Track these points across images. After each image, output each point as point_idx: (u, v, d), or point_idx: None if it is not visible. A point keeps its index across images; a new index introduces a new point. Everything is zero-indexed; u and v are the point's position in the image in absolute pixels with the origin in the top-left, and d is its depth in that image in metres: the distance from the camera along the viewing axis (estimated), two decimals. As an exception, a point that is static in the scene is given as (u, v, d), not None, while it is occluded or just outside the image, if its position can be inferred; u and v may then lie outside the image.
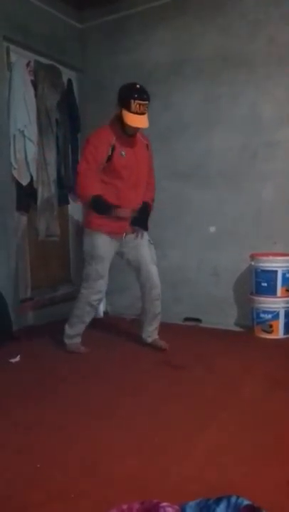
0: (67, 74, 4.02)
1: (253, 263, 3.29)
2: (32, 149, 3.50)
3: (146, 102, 2.60)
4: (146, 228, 2.89)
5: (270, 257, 3.24)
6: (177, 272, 3.83)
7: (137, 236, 2.86)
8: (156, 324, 3.03)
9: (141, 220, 2.85)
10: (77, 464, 1.65)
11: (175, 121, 3.74)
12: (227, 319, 3.58)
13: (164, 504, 1.17)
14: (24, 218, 3.73)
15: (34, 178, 3.56)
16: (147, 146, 2.87)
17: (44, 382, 2.48)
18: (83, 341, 3.02)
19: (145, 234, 2.90)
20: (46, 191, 3.65)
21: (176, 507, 1.18)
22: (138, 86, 2.64)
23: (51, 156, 3.68)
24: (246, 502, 1.17)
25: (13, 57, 3.49)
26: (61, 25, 3.92)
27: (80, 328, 2.99)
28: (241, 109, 3.47)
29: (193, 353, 2.94)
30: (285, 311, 3.21)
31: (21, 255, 3.71)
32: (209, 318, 3.62)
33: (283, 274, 3.18)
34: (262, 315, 3.25)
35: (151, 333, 3.02)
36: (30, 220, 3.74)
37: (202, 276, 3.73)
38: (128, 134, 2.71)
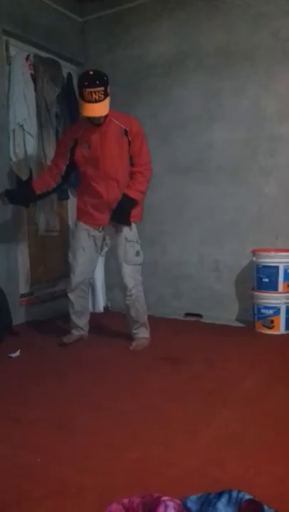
0: (67, 68, 3.99)
1: (254, 258, 3.28)
2: (31, 143, 3.48)
3: (99, 89, 2.43)
4: (125, 223, 2.73)
5: (272, 253, 3.22)
6: (177, 267, 3.82)
7: (116, 231, 2.78)
8: (136, 324, 2.94)
9: (118, 214, 2.71)
10: (77, 458, 1.64)
11: (176, 116, 3.71)
12: (228, 315, 3.57)
13: (165, 498, 1.16)
14: (24, 213, 3.71)
15: (34, 173, 3.54)
16: (126, 131, 2.65)
17: (44, 377, 2.47)
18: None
19: (125, 230, 2.76)
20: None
21: (178, 501, 1.17)
22: (90, 73, 2.50)
23: (51, 151, 3.65)
24: (247, 496, 1.16)
25: (13, 51, 3.47)
26: (61, 19, 3.88)
27: (73, 321, 3.04)
28: (243, 104, 3.44)
29: (193, 348, 2.93)
30: (287, 307, 3.20)
31: (21, 250, 3.69)
32: (210, 314, 3.61)
33: (285, 270, 3.16)
34: (263, 310, 3.24)
35: (134, 330, 2.96)
36: (29, 214, 3.72)
37: (203, 271, 3.72)
38: (94, 124, 2.60)
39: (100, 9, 3.98)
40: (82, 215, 2.85)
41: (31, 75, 3.54)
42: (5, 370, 2.59)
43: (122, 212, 2.71)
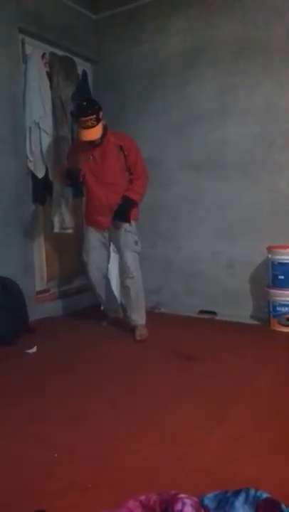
0: (82, 65, 4.00)
1: (269, 255, 3.25)
2: (47, 141, 3.50)
3: (91, 117, 2.82)
4: (126, 220, 3.05)
5: (288, 250, 3.19)
6: (191, 264, 3.81)
7: (115, 227, 3.11)
8: (137, 310, 3.14)
9: (120, 213, 3.04)
10: (93, 455, 1.66)
11: (190, 112, 3.69)
12: (243, 312, 3.55)
13: (182, 496, 1.17)
14: (40, 211, 3.74)
15: (49, 171, 3.56)
16: (121, 147, 3.01)
17: (59, 373, 2.49)
18: (97, 333, 3.10)
19: (124, 224, 3.09)
20: (61, 184, 3.64)
21: (195, 498, 1.17)
22: (84, 103, 2.92)
23: (66, 148, 3.67)
24: (265, 495, 1.16)
25: (29, 49, 3.49)
26: (76, 17, 3.89)
27: (105, 310, 3.51)
28: (257, 99, 3.40)
29: (207, 345, 2.92)
30: (302, 304, 3.17)
31: (37, 248, 3.73)
32: (224, 311, 3.59)
33: (301, 267, 3.13)
34: (278, 308, 3.22)
35: (132, 318, 3.15)
36: (45, 212, 3.75)
37: (217, 268, 3.70)
38: (92, 146, 2.97)
39: (113, 6, 3.97)
40: (89, 220, 3.26)
41: (47, 72, 3.56)
42: (22, 366, 2.62)
43: (123, 212, 3.04)
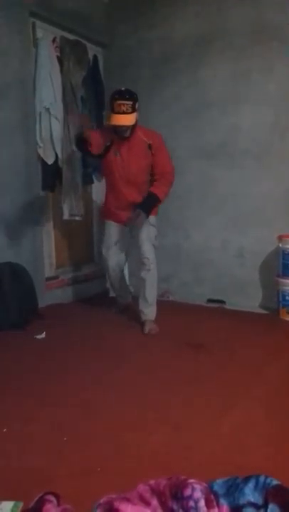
0: (92, 50, 3.95)
1: (280, 245, 3.22)
2: (57, 127, 3.47)
3: (128, 102, 2.72)
4: (146, 212, 2.96)
5: (299, 239, 3.16)
6: (201, 253, 3.79)
7: (136, 216, 2.97)
8: (149, 305, 3.06)
9: (143, 205, 2.97)
10: (103, 439, 1.68)
11: (202, 97, 3.64)
12: (251, 301, 3.54)
13: (192, 481, 1.17)
14: (49, 197, 3.73)
15: (59, 157, 3.54)
16: (150, 145, 2.91)
17: (68, 359, 2.51)
18: (106, 320, 3.13)
19: (149, 218, 3.02)
20: (71, 170, 3.63)
21: (204, 484, 1.18)
22: (122, 88, 2.80)
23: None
24: (275, 482, 1.16)
25: (39, 33, 3.44)
26: (87, 0, 3.82)
27: (114, 292, 3.53)
28: (272, 85, 3.34)
29: (216, 334, 2.92)
30: (312, 295, 3.15)
31: (46, 234, 3.73)
32: (233, 300, 3.58)
33: (311, 257, 3.11)
34: (288, 297, 3.20)
35: (144, 313, 3.07)
36: (55, 199, 3.74)
37: (226, 257, 3.68)
38: (120, 136, 2.85)
39: (126, -11, 3.90)
40: (109, 215, 3.19)
41: (57, 57, 3.52)
42: (31, 352, 2.64)
43: (146, 206, 2.97)
